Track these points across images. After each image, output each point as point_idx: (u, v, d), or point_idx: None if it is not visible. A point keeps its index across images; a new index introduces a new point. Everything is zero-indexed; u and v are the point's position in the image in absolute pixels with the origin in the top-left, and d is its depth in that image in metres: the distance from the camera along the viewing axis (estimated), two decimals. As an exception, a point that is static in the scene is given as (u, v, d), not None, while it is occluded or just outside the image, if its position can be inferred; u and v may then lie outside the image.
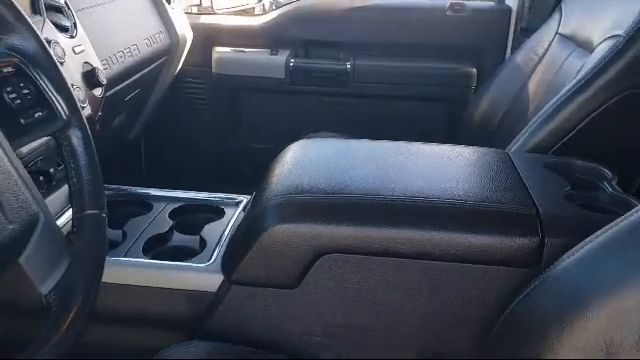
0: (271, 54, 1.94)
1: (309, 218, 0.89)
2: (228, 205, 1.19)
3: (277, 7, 2.04)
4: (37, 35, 0.66)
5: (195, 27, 1.88)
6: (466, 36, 1.90)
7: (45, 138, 0.90)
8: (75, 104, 0.68)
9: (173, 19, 1.73)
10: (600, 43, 1.27)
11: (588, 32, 1.37)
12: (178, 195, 1.23)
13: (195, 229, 1.11)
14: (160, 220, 1.14)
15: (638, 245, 0.72)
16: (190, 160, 2.04)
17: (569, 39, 1.48)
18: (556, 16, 1.59)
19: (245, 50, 1.96)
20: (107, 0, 1.43)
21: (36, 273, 0.59)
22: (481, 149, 1.12)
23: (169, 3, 1.75)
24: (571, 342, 0.72)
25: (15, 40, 0.65)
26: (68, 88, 0.68)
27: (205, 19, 1.99)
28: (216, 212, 1.17)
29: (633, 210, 0.74)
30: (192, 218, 1.15)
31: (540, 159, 1.09)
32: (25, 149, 0.90)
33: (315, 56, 1.95)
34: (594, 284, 0.73)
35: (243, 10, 2.17)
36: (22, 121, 0.62)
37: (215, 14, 2.04)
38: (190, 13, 1.98)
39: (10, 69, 0.63)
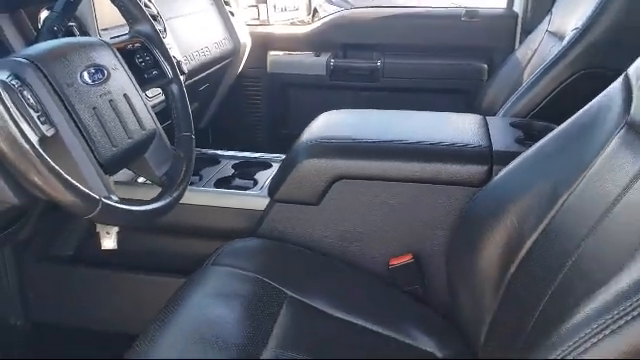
0: (315, 56, 2.35)
1: (328, 155, 1.27)
2: (275, 161, 1.59)
3: (319, 19, 2.46)
4: (153, 25, 1.08)
5: (253, 35, 2.30)
6: (479, 38, 2.24)
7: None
8: (175, 69, 1.09)
9: (236, 28, 2.15)
10: (568, 34, 1.60)
11: (564, 27, 1.70)
12: (238, 154, 1.63)
13: (250, 175, 1.51)
14: (225, 170, 1.54)
15: (540, 160, 1.06)
16: (247, 144, 2.45)
17: (554, 35, 1.80)
18: (547, 18, 1.92)
19: (293, 53, 2.37)
20: (187, 13, 1.86)
21: (154, 164, 0.99)
22: (464, 114, 1.48)
23: (233, 15, 2.18)
24: (497, 227, 1.06)
25: (140, 27, 1.07)
26: (172, 59, 1.09)
27: (261, 29, 2.41)
28: (266, 166, 1.57)
29: (543, 138, 1.09)
30: (248, 169, 1.55)
31: (508, 120, 1.44)
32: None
33: (351, 57, 2.35)
34: (511, 188, 1.08)
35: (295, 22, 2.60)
36: (145, 76, 1.03)
37: (270, 25, 2.47)
38: (250, 24, 2.41)
39: (138, 44, 1.04)
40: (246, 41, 2.23)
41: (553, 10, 1.91)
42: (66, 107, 0.82)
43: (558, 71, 1.50)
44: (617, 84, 0.98)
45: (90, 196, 0.78)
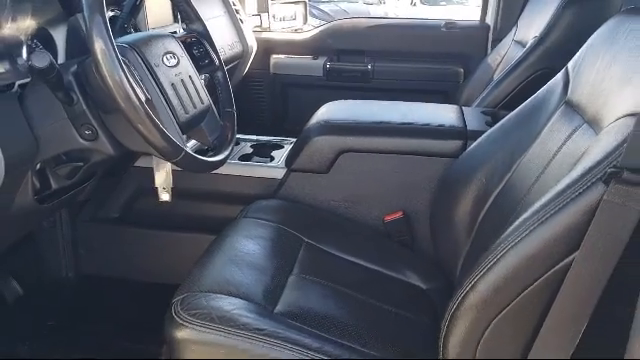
0: (313, 59, 2.67)
1: (335, 133, 1.58)
2: (286, 142, 1.89)
3: (316, 27, 2.78)
4: (204, 25, 1.37)
5: (258, 40, 2.60)
6: (456, 45, 2.58)
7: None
8: (220, 59, 1.39)
9: (245, 33, 2.45)
10: (529, 41, 1.93)
11: (527, 36, 2.04)
12: (254, 137, 1.94)
13: (266, 154, 1.80)
14: (245, 149, 1.84)
15: (502, 134, 1.38)
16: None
17: (519, 43, 2.14)
18: (514, 29, 2.26)
19: (294, 57, 2.69)
20: (206, 18, 2.15)
21: (208, 131, 1.28)
22: (444, 105, 1.80)
23: (242, 22, 2.48)
24: (469, 186, 1.37)
25: (194, 26, 1.36)
26: (218, 52, 1.39)
27: (265, 34, 2.73)
28: (278, 146, 1.87)
29: (504, 118, 1.40)
30: (264, 149, 1.85)
31: (480, 109, 1.76)
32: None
33: (345, 60, 2.67)
34: (480, 156, 1.39)
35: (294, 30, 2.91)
36: (200, 63, 1.33)
37: (272, 31, 2.78)
38: (254, 31, 2.71)
39: (194, 39, 1.34)
40: (253, 45, 2.52)
41: (518, 23, 2.25)
42: (156, 81, 1.12)
43: (520, 71, 1.84)
44: (560, 75, 1.31)
45: (178, 145, 1.07)
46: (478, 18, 2.64)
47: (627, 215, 0.80)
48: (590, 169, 0.87)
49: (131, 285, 1.72)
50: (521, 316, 0.91)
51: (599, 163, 0.86)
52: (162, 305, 1.12)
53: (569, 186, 0.88)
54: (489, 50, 2.55)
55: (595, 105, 1.09)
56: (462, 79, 2.56)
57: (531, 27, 2.02)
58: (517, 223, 0.93)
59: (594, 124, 1.06)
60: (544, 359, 0.90)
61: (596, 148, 0.93)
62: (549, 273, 0.87)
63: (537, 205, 0.92)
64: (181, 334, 1.02)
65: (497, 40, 2.43)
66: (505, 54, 2.22)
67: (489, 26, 2.56)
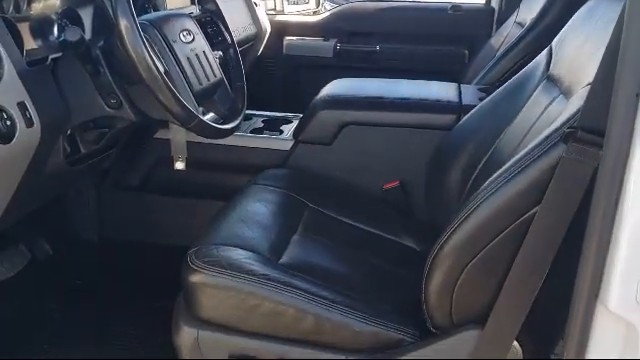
0: (324, 41, 2.79)
1: (339, 107, 1.70)
2: (295, 118, 2.01)
3: (328, 10, 2.90)
4: (218, 5, 1.50)
5: (272, 22, 2.72)
6: (461, 28, 2.68)
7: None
8: (232, 37, 1.52)
9: (259, 16, 2.57)
10: (528, 22, 2.03)
11: (527, 18, 2.13)
12: (265, 113, 2.06)
13: (276, 128, 1.93)
14: (256, 124, 1.97)
15: (491, 107, 1.48)
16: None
17: (520, 24, 2.23)
18: (516, 11, 2.36)
19: (305, 38, 2.81)
20: (223, 0, 2.28)
21: (220, 102, 1.42)
22: (443, 82, 1.91)
23: (257, 6, 2.60)
24: (461, 156, 1.48)
25: (208, 6, 1.49)
26: (230, 31, 1.52)
27: (279, 17, 2.85)
28: (287, 121, 2.00)
29: (494, 92, 1.51)
30: (274, 123, 1.97)
31: (476, 87, 1.87)
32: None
33: (354, 42, 2.78)
34: (471, 128, 1.50)
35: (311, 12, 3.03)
36: (214, 41, 1.45)
37: (285, 14, 2.90)
38: (268, 14, 2.83)
39: (208, 18, 1.47)
40: (267, 27, 2.64)
41: (521, 5, 2.34)
42: (173, 55, 1.25)
43: (517, 50, 1.94)
44: (544, 52, 1.41)
45: (192, 112, 1.20)
46: (483, 1, 2.72)
47: (583, 170, 0.91)
48: (553, 131, 0.98)
49: (149, 247, 1.86)
50: (492, 262, 1.03)
51: (561, 126, 0.97)
52: (177, 266, 1.22)
53: (535, 146, 1.00)
54: (493, 32, 2.64)
55: (570, 78, 1.20)
56: (467, 60, 2.65)
57: (531, 9, 2.11)
58: (489, 180, 1.05)
59: (567, 95, 1.17)
60: (510, 304, 1.02)
61: (562, 114, 1.04)
62: (515, 223, 0.99)
63: (508, 164, 1.04)
64: (195, 278, 1.16)
65: (501, 22, 2.52)
66: (507, 35, 2.31)
67: (494, 9, 2.65)
